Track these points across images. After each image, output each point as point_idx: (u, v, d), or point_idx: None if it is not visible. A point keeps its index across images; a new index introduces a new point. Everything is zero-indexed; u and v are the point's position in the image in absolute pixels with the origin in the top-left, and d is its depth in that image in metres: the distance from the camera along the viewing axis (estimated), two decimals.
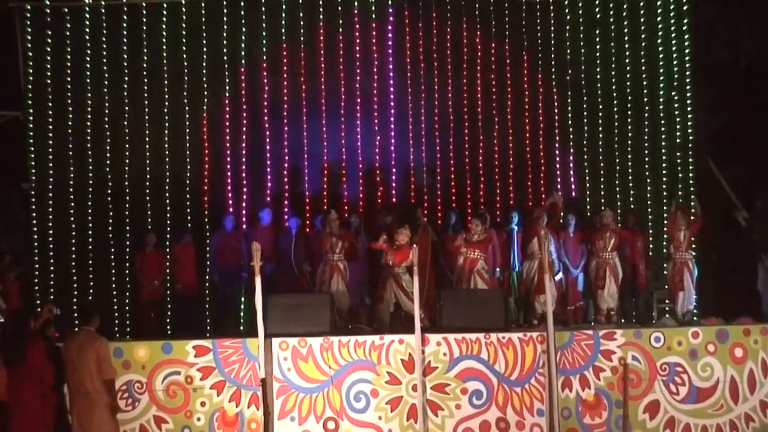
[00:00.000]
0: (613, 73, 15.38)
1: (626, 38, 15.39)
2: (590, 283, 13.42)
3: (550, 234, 13.02)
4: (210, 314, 14.37)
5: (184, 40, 14.85)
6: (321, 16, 15.02)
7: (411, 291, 11.46)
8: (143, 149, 14.72)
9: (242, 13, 14.88)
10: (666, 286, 13.68)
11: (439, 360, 10.81)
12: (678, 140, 15.26)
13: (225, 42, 14.87)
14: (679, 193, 14.98)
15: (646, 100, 15.35)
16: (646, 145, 15.31)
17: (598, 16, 15.40)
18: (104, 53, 14.73)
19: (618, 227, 13.44)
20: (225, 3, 14.86)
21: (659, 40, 15.32)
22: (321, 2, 15.01)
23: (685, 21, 15.24)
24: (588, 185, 15.34)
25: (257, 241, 10.77)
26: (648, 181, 15.25)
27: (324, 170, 15.03)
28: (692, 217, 13.36)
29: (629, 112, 15.33)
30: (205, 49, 14.86)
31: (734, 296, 13.56)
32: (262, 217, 13.93)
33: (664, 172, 15.23)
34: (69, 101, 14.62)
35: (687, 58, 15.23)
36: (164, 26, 14.82)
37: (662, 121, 15.29)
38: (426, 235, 13.49)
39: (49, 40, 14.59)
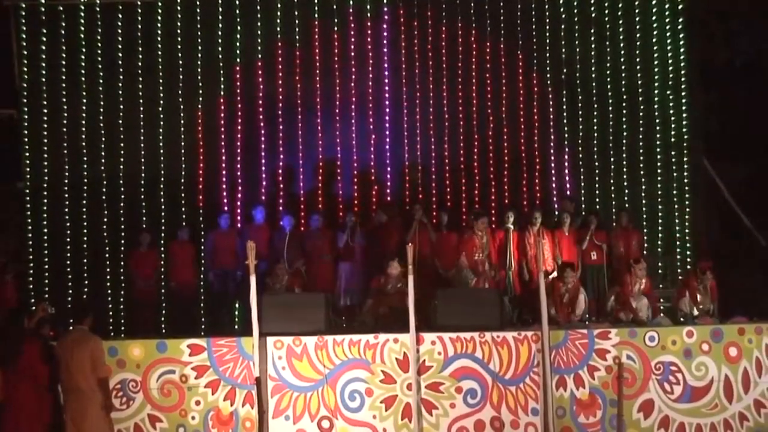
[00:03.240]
0: (608, 72, 15.40)
1: (621, 37, 15.40)
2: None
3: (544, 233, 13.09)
4: (205, 313, 14.36)
5: (179, 39, 14.84)
6: (316, 15, 15.03)
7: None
8: (138, 148, 14.74)
9: (237, 12, 14.89)
10: (660, 285, 13.69)
11: (433, 359, 10.80)
12: (673, 139, 15.30)
13: (220, 41, 14.88)
14: (674, 192, 15.01)
15: (641, 99, 15.36)
16: (641, 144, 15.32)
17: (593, 14, 15.41)
18: (99, 52, 14.72)
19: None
20: (220, 2, 14.87)
21: (654, 39, 15.35)
22: (316, 1, 15.01)
23: (681, 20, 15.26)
24: (583, 184, 15.36)
25: (251, 239, 10.76)
26: (643, 180, 15.26)
27: (319, 169, 15.05)
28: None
29: (624, 111, 15.36)
30: (200, 48, 14.87)
31: (730, 295, 13.55)
32: (256, 216, 13.94)
33: (659, 171, 15.25)
34: (64, 100, 14.63)
35: (682, 57, 15.26)
36: (159, 25, 14.81)
37: (657, 120, 15.31)
38: (425, 232, 13.56)
39: (44, 39, 14.59)
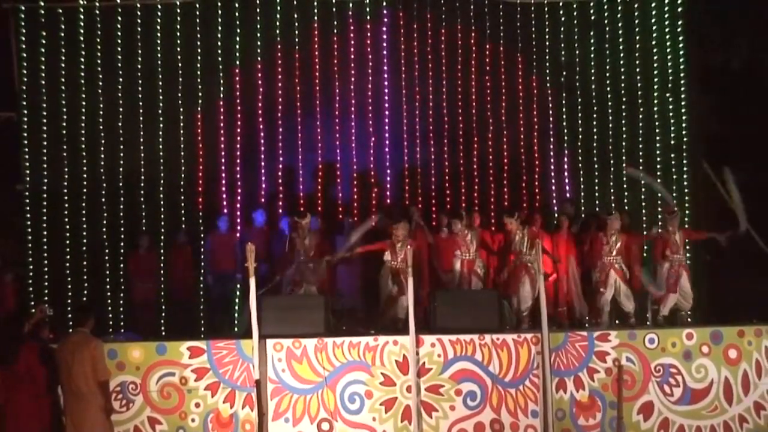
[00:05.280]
0: (607, 75, 15.40)
1: (621, 40, 15.40)
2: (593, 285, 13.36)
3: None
4: (204, 315, 14.36)
5: (178, 42, 14.80)
6: (315, 18, 15.00)
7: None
8: (137, 150, 14.70)
9: (237, 14, 14.86)
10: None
11: (433, 361, 10.81)
12: (672, 142, 15.29)
13: (219, 43, 14.85)
14: (674, 194, 15.00)
15: (640, 101, 15.36)
16: (640, 146, 15.32)
17: (592, 18, 15.42)
18: (99, 54, 14.68)
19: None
20: (219, 4, 14.84)
21: (653, 42, 15.36)
22: (315, 3, 14.98)
23: (680, 23, 15.26)
24: (582, 187, 15.35)
25: (251, 242, 10.75)
26: (642, 182, 15.24)
27: (318, 171, 15.04)
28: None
29: (624, 114, 15.36)
30: (199, 51, 14.83)
31: (729, 298, 13.56)
32: (256, 218, 13.95)
33: (658, 174, 15.23)
34: (63, 102, 14.60)
35: (681, 60, 15.26)
36: (159, 27, 14.78)
37: (656, 123, 15.31)
38: (422, 235, 13.54)
39: (44, 41, 14.56)
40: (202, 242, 14.21)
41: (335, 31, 15.05)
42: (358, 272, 13.70)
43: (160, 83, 14.79)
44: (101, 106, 14.68)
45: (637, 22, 15.39)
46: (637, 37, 15.41)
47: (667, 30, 15.34)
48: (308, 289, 12.49)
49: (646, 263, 13.74)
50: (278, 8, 14.94)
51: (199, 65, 14.83)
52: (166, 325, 14.19)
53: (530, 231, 12.93)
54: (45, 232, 14.42)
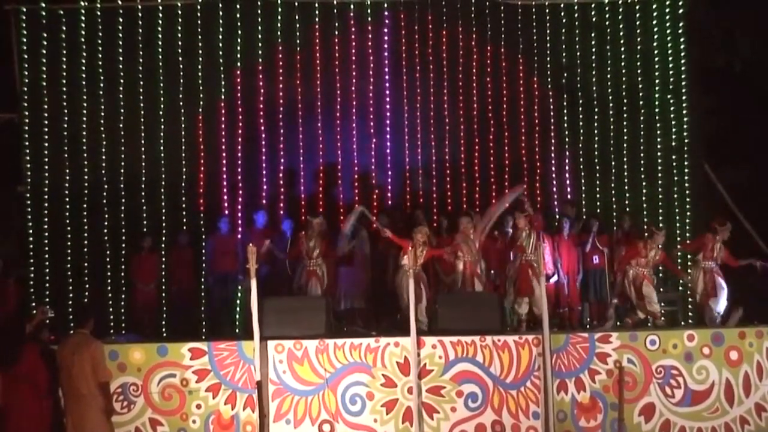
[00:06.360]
0: (608, 76, 15.41)
1: (622, 42, 15.41)
2: (624, 291, 13.28)
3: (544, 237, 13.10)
4: (205, 317, 14.35)
5: (179, 43, 14.81)
6: (317, 19, 15.01)
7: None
8: (139, 151, 14.71)
9: (238, 15, 14.86)
10: (661, 288, 13.68)
11: (434, 363, 10.81)
12: (674, 143, 15.30)
13: (221, 45, 14.86)
14: (675, 195, 15.02)
15: (641, 103, 15.38)
16: (641, 148, 15.33)
17: (593, 19, 15.42)
18: (100, 55, 14.69)
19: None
20: (221, 6, 14.84)
21: (655, 44, 15.36)
22: (317, 5, 14.99)
23: (681, 24, 15.27)
24: (583, 188, 15.35)
25: (252, 243, 10.75)
26: (644, 184, 15.26)
27: (319, 173, 15.04)
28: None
29: (625, 115, 15.37)
30: (200, 52, 14.84)
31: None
32: (257, 220, 13.95)
33: (659, 174, 15.25)
34: (65, 103, 14.60)
35: (682, 62, 15.28)
36: (160, 29, 14.78)
37: (658, 125, 15.33)
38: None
39: (45, 42, 14.56)
40: (204, 244, 14.21)
41: (336, 32, 15.05)
42: (363, 272, 13.67)
43: (161, 84, 14.79)
44: (102, 107, 14.69)
45: (638, 23, 15.39)
46: (638, 39, 15.42)
47: (667, 32, 15.36)
48: (314, 291, 12.53)
49: None
50: (279, 9, 14.94)
51: (200, 66, 14.84)
52: (167, 326, 14.20)
53: (536, 226, 12.83)
54: (46, 233, 14.43)
